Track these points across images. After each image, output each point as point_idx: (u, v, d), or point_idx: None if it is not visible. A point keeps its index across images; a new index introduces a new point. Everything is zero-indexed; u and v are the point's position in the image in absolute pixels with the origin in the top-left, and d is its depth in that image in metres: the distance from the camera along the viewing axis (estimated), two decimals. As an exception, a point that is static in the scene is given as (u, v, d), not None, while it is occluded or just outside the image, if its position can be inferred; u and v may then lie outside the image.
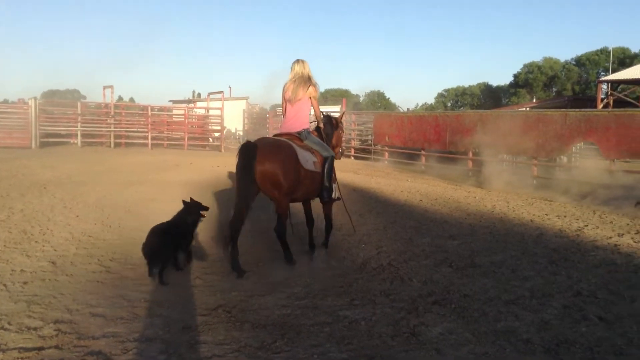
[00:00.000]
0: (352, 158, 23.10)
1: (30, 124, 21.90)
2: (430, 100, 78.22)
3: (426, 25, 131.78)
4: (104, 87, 25.76)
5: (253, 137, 31.09)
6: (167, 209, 8.65)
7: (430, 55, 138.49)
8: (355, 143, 24.88)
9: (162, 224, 5.43)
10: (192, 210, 5.64)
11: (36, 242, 6.43)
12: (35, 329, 3.90)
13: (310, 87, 6.41)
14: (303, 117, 6.44)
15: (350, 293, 4.93)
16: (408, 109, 49.89)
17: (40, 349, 3.57)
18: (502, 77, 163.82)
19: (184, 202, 5.70)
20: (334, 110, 31.64)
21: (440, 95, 74.18)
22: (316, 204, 6.82)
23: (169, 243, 5.26)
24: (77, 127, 23.92)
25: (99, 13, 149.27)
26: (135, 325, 4.02)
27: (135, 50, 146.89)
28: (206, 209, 5.83)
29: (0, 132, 21.88)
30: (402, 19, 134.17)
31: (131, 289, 4.85)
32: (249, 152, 5.57)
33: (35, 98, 22.43)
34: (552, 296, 4.89)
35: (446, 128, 18.11)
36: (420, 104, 78.88)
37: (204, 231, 7.27)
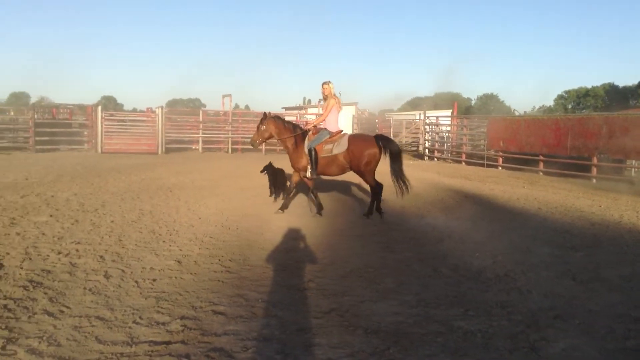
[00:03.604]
0: (463, 163, 22.49)
1: (157, 131, 23.62)
2: (549, 102, 74.03)
3: (544, 23, 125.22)
4: (223, 96, 27.20)
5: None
6: (281, 214, 9.01)
7: (548, 54, 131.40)
8: (466, 148, 24.21)
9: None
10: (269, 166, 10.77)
11: (164, 241, 6.93)
12: (163, 324, 4.19)
13: None
14: None
15: (464, 303, 4.81)
16: (525, 112, 47.57)
17: (168, 343, 3.83)
18: (629, 77, 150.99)
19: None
20: (444, 114, 31.05)
21: (560, 97, 69.98)
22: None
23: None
24: (198, 134, 25.42)
25: (217, 25, 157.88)
26: (254, 325, 4.20)
27: (251, 60, 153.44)
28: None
29: (131, 139, 23.81)
30: (516, 16, 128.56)
31: (249, 289, 5.07)
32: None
33: (162, 107, 24.16)
34: (691, 316, 4.47)
35: (567, 132, 17.13)
36: (537, 107, 74.96)
37: (328, 228, 7.45)
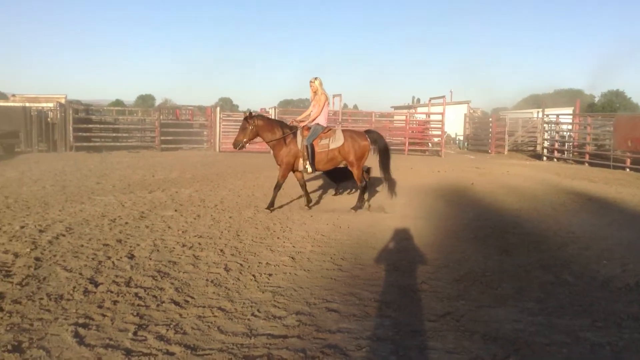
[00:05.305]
0: (587, 164, 21.02)
1: (269, 130, 24.36)
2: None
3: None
4: (333, 96, 27.52)
5: (475, 142, 30.13)
6: (391, 215, 8.95)
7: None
8: (590, 148, 22.60)
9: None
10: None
11: (278, 238, 7.15)
12: (280, 318, 4.32)
13: None
14: None
15: (591, 313, 4.49)
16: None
17: (284, 337, 3.94)
18: None
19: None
20: (565, 112, 29.20)
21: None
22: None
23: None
24: (308, 133, 25.92)
25: (326, 26, 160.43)
26: (367, 324, 4.20)
27: (362, 61, 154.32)
28: None
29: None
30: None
31: (361, 288, 5.09)
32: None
33: (275, 107, 24.94)
34: None
35: None
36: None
37: (441, 233, 7.32)
